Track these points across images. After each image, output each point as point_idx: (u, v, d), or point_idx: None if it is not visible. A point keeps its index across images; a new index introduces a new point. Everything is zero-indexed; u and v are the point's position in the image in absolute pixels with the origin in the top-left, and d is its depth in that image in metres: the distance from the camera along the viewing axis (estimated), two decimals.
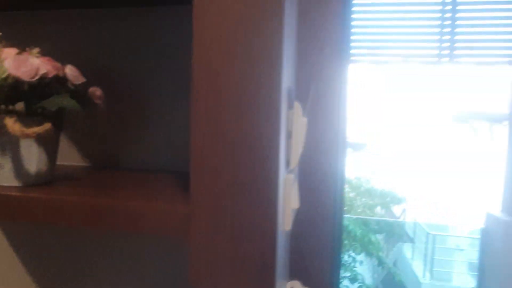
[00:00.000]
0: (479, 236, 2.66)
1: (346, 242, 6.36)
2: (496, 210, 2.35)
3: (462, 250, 6.94)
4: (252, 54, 0.43)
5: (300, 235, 0.70)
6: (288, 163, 0.51)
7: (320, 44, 0.72)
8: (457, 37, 2.81)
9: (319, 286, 0.68)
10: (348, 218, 6.59)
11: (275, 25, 0.43)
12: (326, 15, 0.71)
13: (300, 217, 0.68)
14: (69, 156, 0.81)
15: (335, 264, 0.67)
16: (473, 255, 5.66)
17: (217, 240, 0.46)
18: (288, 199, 0.50)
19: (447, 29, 2.85)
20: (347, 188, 8.43)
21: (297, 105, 0.52)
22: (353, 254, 6.46)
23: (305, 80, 0.70)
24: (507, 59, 2.75)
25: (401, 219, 8.61)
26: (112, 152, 0.79)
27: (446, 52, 2.84)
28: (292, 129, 0.50)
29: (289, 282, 0.60)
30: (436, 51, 2.88)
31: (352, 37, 2.82)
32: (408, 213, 8.02)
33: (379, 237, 8.15)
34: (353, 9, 2.84)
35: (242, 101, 0.44)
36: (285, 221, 0.51)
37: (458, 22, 2.84)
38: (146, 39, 0.76)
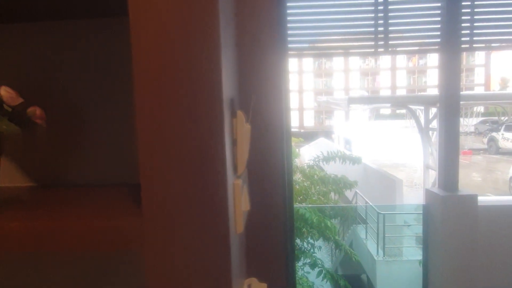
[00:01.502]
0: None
1: (304, 230, 6.57)
2: (435, 187, 2.57)
3: (409, 225, 7.44)
4: (191, 66, 0.45)
5: (254, 235, 0.73)
6: (235, 169, 0.53)
7: (260, 44, 0.74)
8: (391, 28, 3.00)
9: (276, 280, 0.72)
10: (305, 207, 6.79)
11: (212, 37, 0.44)
12: (260, 12, 0.74)
13: (253, 218, 0.71)
14: (13, 176, 0.78)
15: (289, 259, 0.71)
16: (420, 229, 6.10)
17: (171, 251, 0.47)
18: (239, 203, 0.53)
19: (381, 21, 3.03)
20: (301, 178, 8.67)
21: (240, 113, 0.54)
22: (311, 241, 6.69)
23: (248, 87, 0.73)
24: (436, 47, 2.99)
25: (353, 203, 9.03)
26: (58, 169, 0.77)
27: (381, 43, 3.02)
28: (237, 136, 0.53)
29: (247, 280, 0.63)
30: (372, 43, 3.05)
31: (291, 32, 2.91)
32: (360, 197, 8.43)
33: (335, 221, 8.50)
34: (289, 4, 2.92)
35: (186, 113, 0.45)
36: (237, 224, 0.53)
37: (391, 14, 3.03)
38: (84, 52, 0.74)
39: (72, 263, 0.77)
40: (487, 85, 40.82)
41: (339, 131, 24.80)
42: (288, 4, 2.64)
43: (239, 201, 0.53)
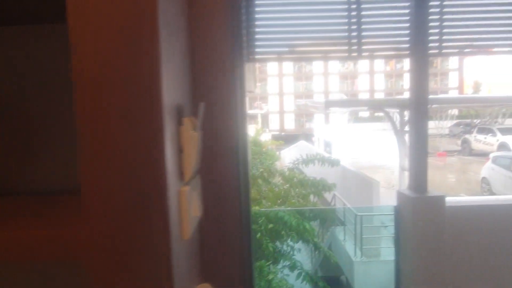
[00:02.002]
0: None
1: (283, 232, 6.60)
2: (406, 188, 2.64)
3: (386, 226, 7.58)
4: (130, 74, 0.45)
5: (210, 240, 0.73)
6: (181, 175, 0.53)
7: (216, 51, 0.75)
8: (364, 34, 3.07)
9: (233, 285, 0.72)
10: (283, 210, 6.82)
11: (151, 45, 0.45)
12: (216, 21, 0.74)
13: (208, 223, 0.72)
14: None
15: (247, 263, 0.71)
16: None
17: (114, 259, 0.47)
18: (185, 209, 0.53)
19: (354, 26, 3.10)
20: (281, 180, 8.72)
21: (186, 120, 0.55)
22: (291, 243, 6.72)
23: (202, 94, 0.73)
24: (406, 52, 3.08)
25: (332, 205, 9.14)
26: (1, 178, 0.75)
27: (355, 48, 3.09)
28: (183, 143, 0.53)
29: (199, 286, 0.63)
30: (346, 47, 3.11)
31: (261, 36, 2.93)
32: (338, 199, 8.54)
33: (314, 223, 8.58)
34: (257, 9, 2.95)
35: (126, 121, 0.46)
36: (184, 230, 0.54)
37: (363, 20, 3.10)
38: (26, 58, 0.72)
39: (16, 273, 0.76)
40: (460, 88, 42.15)
41: (319, 133, 25.08)
42: (258, 9, 2.66)
43: (185, 207, 0.53)
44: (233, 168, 0.73)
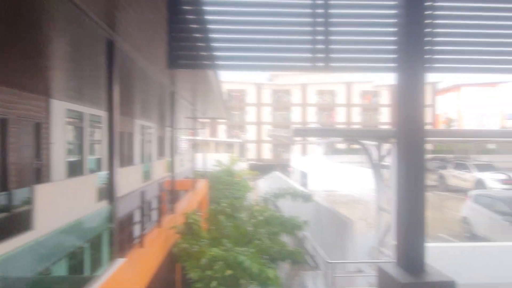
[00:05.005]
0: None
1: (243, 281, 5.65)
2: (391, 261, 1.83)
3: (362, 272, 6.75)
4: None
5: None
6: None
7: None
8: (331, 46, 2.39)
9: None
10: (244, 253, 5.89)
11: None
12: None
13: None
14: None
15: None
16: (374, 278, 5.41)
17: None
18: None
19: (321, 37, 2.42)
20: (247, 218, 7.81)
21: None
22: None
23: None
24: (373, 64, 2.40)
25: (303, 243, 8.27)
26: None
27: (321, 61, 2.40)
28: None
29: None
30: (311, 60, 2.42)
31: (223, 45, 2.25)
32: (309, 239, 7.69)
33: (284, 264, 7.65)
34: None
35: None
36: None
37: (331, 29, 2.42)
38: None
39: None
40: (435, 124, 42.98)
41: (295, 164, 24.39)
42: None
43: None
44: None
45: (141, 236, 5.63)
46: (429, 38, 2.21)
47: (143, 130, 14.23)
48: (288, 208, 11.28)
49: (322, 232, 8.58)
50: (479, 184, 15.95)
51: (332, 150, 31.02)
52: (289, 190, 9.39)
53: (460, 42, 2.33)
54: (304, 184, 19.70)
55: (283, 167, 30.67)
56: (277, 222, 7.16)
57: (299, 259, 6.91)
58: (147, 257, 5.37)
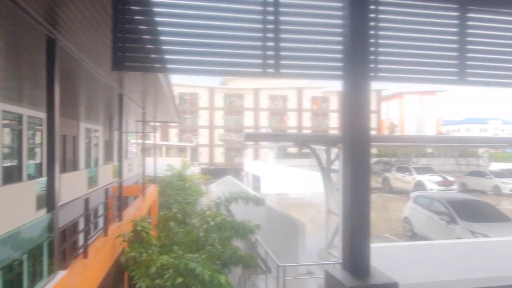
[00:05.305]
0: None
1: None
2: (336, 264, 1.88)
3: (313, 275, 6.89)
4: None
5: None
6: None
7: None
8: (281, 53, 2.43)
9: None
10: (196, 259, 5.79)
11: None
12: None
13: None
14: None
15: None
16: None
17: None
18: None
19: (271, 44, 2.45)
20: (199, 223, 7.68)
21: None
22: None
23: None
24: (323, 72, 2.49)
25: (255, 247, 8.30)
26: None
27: (272, 68, 2.43)
28: None
29: None
30: (261, 66, 2.44)
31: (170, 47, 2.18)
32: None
33: (236, 269, 7.62)
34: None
35: None
36: None
37: (281, 36, 2.46)
38: None
39: None
40: (379, 129, 45.35)
41: (248, 168, 24.54)
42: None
43: None
44: None
45: (85, 246, 5.34)
46: (373, 48, 2.33)
47: (89, 133, 13.53)
48: (240, 213, 11.28)
49: (274, 236, 8.68)
50: (419, 185, 17.08)
51: (284, 154, 31.62)
52: (242, 194, 9.40)
53: (401, 53, 2.47)
54: (256, 188, 19.85)
55: (236, 171, 30.71)
56: (229, 226, 7.12)
57: (251, 263, 6.92)
58: (91, 268, 5.08)
